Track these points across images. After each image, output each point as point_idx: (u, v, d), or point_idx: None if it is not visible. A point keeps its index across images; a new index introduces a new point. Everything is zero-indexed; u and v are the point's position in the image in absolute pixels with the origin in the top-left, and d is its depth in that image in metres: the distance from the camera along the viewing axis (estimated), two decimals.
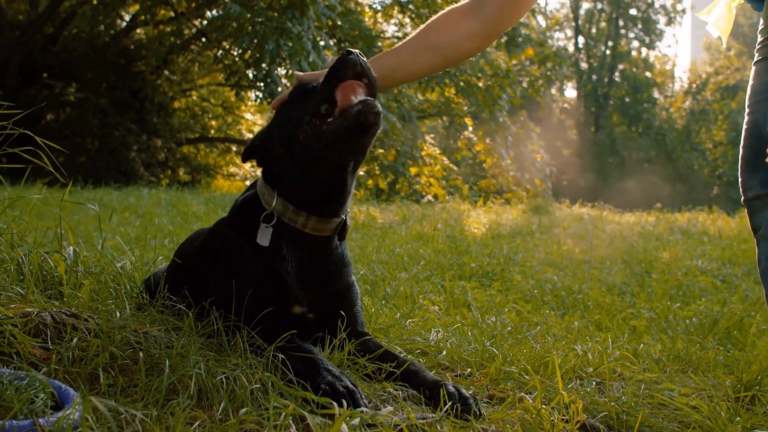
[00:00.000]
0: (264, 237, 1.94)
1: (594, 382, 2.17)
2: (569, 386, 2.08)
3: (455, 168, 22.24)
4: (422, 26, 2.12)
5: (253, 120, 24.19)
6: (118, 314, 1.84)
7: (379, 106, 1.83)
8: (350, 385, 1.68)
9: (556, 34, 42.48)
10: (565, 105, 40.63)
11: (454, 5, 2.12)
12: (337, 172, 1.92)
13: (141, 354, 1.61)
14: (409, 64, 2.08)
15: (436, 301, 3.78)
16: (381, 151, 17.78)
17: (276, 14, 13.62)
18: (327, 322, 2.00)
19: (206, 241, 2.13)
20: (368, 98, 1.82)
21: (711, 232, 9.93)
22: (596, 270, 5.78)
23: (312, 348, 1.81)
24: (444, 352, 2.20)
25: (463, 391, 1.79)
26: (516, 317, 3.44)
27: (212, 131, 22.62)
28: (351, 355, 1.91)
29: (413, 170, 18.89)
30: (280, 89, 14.37)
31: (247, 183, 23.25)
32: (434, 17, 2.12)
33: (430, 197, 18.35)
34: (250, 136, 24.13)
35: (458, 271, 5.11)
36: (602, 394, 2.05)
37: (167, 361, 1.61)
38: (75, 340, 1.66)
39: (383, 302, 3.29)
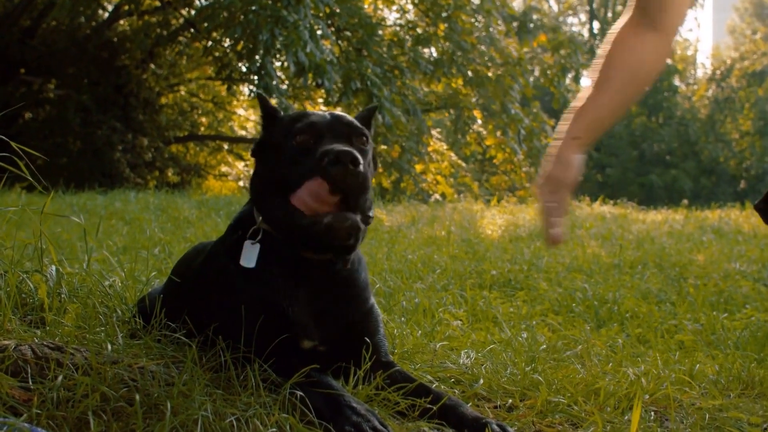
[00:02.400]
0: (248, 257, 1.83)
1: (652, 412, 2.04)
2: (626, 418, 1.95)
3: (463, 164, 22.10)
4: (601, 67, 1.95)
5: (246, 116, 24.05)
6: (109, 346, 1.70)
7: (354, 218, 1.74)
8: (379, 426, 1.56)
9: (570, 19, 42.35)
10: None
11: (614, 30, 1.97)
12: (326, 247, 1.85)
13: (137, 395, 1.48)
14: (612, 110, 1.95)
15: (457, 314, 3.65)
16: (384, 147, 17.65)
17: (270, 2, 13.48)
18: (345, 353, 1.87)
19: (203, 265, 2.03)
20: (339, 213, 1.73)
21: (745, 230, 9.78)
22: (627, 275, 5.65)
23: (334, 383, 1.68)
24: (481, 381, 2.06)
25: (509, 429, 1.65)
26: (549, 333, 3.31)
27: (202, 128, 22.47)
28: (378, 390, 1.78)
29: (419, 167, 18.75)
30: (275, 82, 14.24)
31: (241, 183, 23.15)
32: (608, 52, 1.96)
33: (437, 196, 18.21)
34: (243, 133, 23.99)
35: (478, 280, 4.98)
36: (664, 428, 1.91)
37: (168, 403, 1.48)
38: (60, 378, 1.53)
39: (402, 319, 3.16)
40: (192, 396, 1.54)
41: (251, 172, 2.03)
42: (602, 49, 1.99)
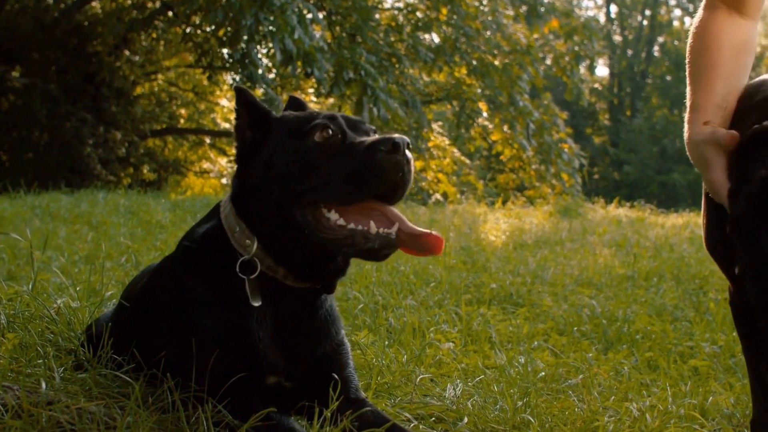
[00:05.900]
0: (255, 295, 1.78)
1: None
2: None
3: (467, 161, 22.09)
4: (706, 58, 2.01)
5: (230, 107, 24.01)
6: (44, 384, 1.67)
7: (395, 240, 1.74)
8: None
9: (585, 2, 42.44)
10: (596, 85, 40.53)
11: (701, 20, 2.04)
12: (327, 260, 1.83)
13: None
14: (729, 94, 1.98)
15: (449, 335, 3.62)
16: None
17: None
18: (311, 390, 1.83)
19: (153, 285, 1.96)
20: (389, 233, 1.73)
21: None
22: (641, 289, 5.63)
23: (295, 425, 1.65)
24: (465, 419, 2.03)
25: None
26: (550, 358, 3.27)
27: (181, 121, 22.45)
28: None
29: (418, 164, 18.71)
30: (260, 71, 14.21)
31: (224, 181, 23.11)
32: (707, 44, 2.03)
33: (438, 196, 18.20)
34: (226, 126, 23.94)
35: (476, 294, 4.95)
36: None
37: None
38: None
39: (386, 342, 3.12)
40: None
41: (236, 182, 1.93)
42: (693, 45, 2.05)
